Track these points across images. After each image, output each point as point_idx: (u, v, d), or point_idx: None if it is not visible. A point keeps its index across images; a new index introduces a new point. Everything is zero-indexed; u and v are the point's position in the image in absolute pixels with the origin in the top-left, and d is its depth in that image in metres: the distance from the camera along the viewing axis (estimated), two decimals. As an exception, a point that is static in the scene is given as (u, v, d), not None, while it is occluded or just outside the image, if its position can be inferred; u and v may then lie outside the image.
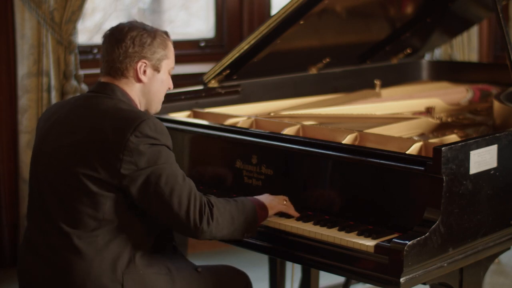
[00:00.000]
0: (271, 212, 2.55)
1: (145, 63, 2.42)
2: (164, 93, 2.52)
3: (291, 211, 2.60)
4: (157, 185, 2.27)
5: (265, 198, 2.57)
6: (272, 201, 2.57)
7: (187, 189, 2.30)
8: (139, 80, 2.43)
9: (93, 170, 2.26)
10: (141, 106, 2.47)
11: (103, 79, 2.44)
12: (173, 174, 2.29)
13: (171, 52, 2.50)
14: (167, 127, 2.97)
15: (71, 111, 2.40)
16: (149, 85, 2.45)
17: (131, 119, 2.29)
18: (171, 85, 2.54)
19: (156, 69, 2.45)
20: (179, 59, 5.31)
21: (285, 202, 2.60)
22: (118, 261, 2.30)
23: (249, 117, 3.08)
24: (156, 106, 2.51)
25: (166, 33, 2.50)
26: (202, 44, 5.12)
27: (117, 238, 2.30)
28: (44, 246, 2.34)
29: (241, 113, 3.22)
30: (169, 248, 2.48)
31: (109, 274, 2.28)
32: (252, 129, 2.94)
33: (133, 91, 2.44)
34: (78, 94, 4.30)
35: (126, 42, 2.40)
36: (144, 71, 2.43)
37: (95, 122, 2.31)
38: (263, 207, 2.52)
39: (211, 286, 2.50)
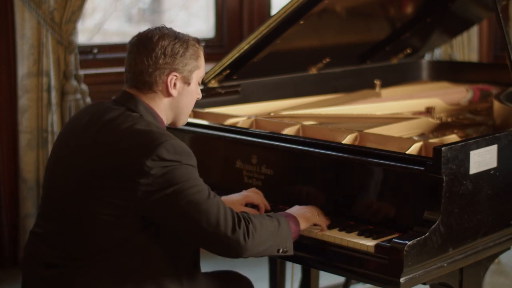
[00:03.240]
0: (306, 224, 2.42)
1: (176, 75, 2.26)
2: (193, 105, 2.37)
3: (324, 224, 2.46)
4: (179, 206, 2.12)
5: (296, 210, 2.45)
6: (306, 213, 2.44)
7: (215, 206, 2.14)
8: (168, 95, 2.28)
9: (110, 196, 2.13)
10: (167, 121, 2.33)
11: (128, 90, 2.29)
12: (196, 191, 2.14)
13: (202, 61, 2.35)
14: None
15: (88, 131, 2.24)
16: (178, 99, 2.30)
17: (147, 142, 2.14)
18: (200, 95, 2.39)
19: (187, 82, 2.30)
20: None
21: (317, 215, 2.47)
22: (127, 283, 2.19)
23: (249, 117, 3.08)
24: (184, 119, 2.37)
25: (197, 41, 2.36)
26: (202, 44, 5.11)
27: (129, 261, 2.18)
28: (47, 267, 2.23)
29: (241, 113, 3.21)
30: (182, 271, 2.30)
31: None
32: (252, 129, 2.94)
33: (160, 105, 2.29)
34: (78, 94, 4.30)
35: (157, 52, 2.23)
36: (175, 84, 2.27)
37: (112, 146, 2.17)
38: (296, 222, 2.39)
39: None
